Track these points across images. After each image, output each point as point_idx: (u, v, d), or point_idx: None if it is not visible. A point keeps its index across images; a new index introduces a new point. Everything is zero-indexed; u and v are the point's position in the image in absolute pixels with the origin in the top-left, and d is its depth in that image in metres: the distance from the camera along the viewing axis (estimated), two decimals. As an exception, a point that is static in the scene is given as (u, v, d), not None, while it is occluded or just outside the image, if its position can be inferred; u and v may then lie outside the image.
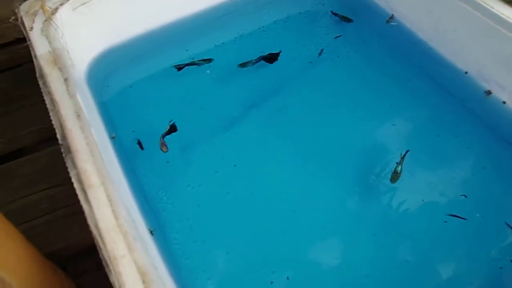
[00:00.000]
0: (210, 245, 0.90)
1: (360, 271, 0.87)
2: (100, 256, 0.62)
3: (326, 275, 0.86)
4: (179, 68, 1.18)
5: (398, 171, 0.96)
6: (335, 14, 1.26)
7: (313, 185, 0.98)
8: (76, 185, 0.69)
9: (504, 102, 1.03)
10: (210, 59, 1.19)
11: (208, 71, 1.19)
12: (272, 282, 0.85)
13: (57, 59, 0.86)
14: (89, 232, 0.67)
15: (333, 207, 0.95)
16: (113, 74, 1.19)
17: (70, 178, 0.72)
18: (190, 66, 1.19)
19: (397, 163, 0.97)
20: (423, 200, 0.94)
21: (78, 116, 0.79)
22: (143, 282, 0.62)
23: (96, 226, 0.65)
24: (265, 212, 0.94)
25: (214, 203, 0.95)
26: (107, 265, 0.61)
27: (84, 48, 1.08)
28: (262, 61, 1.19)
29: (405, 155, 0.97)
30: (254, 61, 1.16)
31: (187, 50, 1.23)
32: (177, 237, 0.91)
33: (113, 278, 0.60)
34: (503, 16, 0.95)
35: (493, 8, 0.97)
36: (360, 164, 1.01)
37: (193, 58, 1.21)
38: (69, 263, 0.98)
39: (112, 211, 0.68)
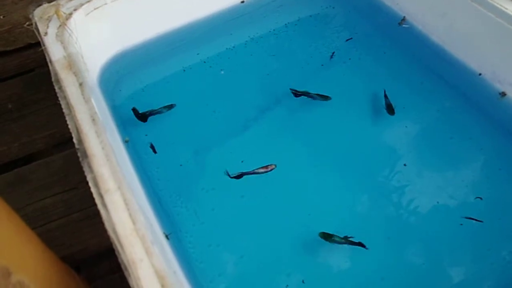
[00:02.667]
0: (225, 249, 0.90)
1: (376, 274, 0.86)
2: (119, 260, 0.62)
3: (341, 278, 0.86)
4: (296, 94, 1.11)
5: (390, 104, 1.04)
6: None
7: (327, 187, 0.98)
8: (93, 190, 0.69)
9: (519, 104, 1.02)
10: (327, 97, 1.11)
11: (222, 72, 1.20)
12: (287, 286, 0.85)
13: (72, 64, 0.87)
14: (103, 236, 0.67)
15: (347, 210, 0.94)
16: (125, 77, 1.20)
17: (84, 182, 0.73)
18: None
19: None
20: (437, 202, 0.94)
21: (94, 120, 0.79)
22: (162, 286, 0.61)
23: (114, 230, 0.65)
24: (279, 215, 0.93)
25: (228, 206, 0.95)
26: (126, 269, 0.61)
27: (96, 53, 1.09)
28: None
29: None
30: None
31: (198, 53, 1.24)
32: (192, 240, 0.91)
33: (132, 282, 0.60)
34: (518, 17, 0.94)
35: (507, 9, 0.96)
36: (373, 166, 1.00)
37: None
38: (83, 266, 0.99)
39: (129, 215, 0.68)
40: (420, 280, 0.86)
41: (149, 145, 1.05)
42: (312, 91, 1.10)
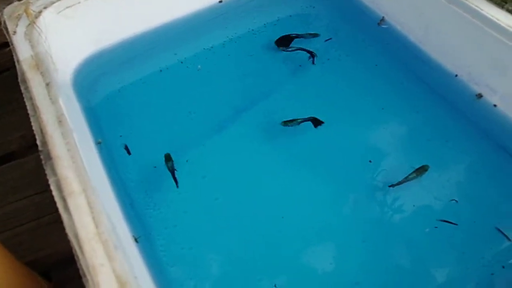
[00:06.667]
0: (197, 252, 0.88)
1: (350, 278, 0.85)
2: (78, 265, 0.61)
3: (314, 283, 0.85)
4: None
5: (295, 121, 1.02)
6: None
7: (302, 190, 0.97)
8: (55, 193, 0.67)
9: (495, 105, 1.01)
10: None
11: (199, 67, 1.18)
12: (259, 290, 0.84)
13: (39, 63, 0.85)
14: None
15: (322, 213, 0.93)
16: (101, 78, 1.18)
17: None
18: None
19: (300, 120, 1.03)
20: (414, 205, 0.93)
21: (60, 122, 0.77)
22: (122, 292, 0.60)
23: (75, 234, 0.64)
24: (253, 218, 0.92)
25: (201, 209, 0.94)
26: (85, 275, 0.60)
27: (69, 52, 1.07)
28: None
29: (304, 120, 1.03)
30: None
31: (175, 54, 1.22)
32: (163, 243, 0.89)
33: (90, 289, 0.59)
34: (493, 18, 0.94)
35: (482, 10, 0.95)
36: (350, 168, 0.99)
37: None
38: (54, 270, 0.97)
39: (92, 218, 0.67)
40: (396, 285, 0.85)
41: (123, 146, 1.03)
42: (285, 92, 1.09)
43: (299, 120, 1.03)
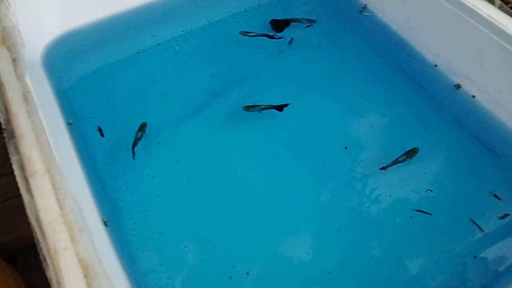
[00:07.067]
0: (169, 237, 0.86)
1: (323, 268, 0.84)
2: (38, 249, 0.58)
3: (287, 271, 0.84)
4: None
5: (258, 106, 1.01)
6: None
7: (278, 177, 0.95)
8: (17, 173, 0.64)
9: (473, 96, 1.01)
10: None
11: (176, 47, 1.16)
12: (231, 277, 0.82)
13: (6, 38, 0.81)
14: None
15: (297, 201, 0.92)
16: (76, 58, 1.14)
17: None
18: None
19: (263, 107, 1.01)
20: (390, 195, 0.92)
21: (26, 99, 0.74)
22: (85, 276, 0.58)
23: (37, 216, 0.61)
24: (226, 204, 0.90)
25: (174, 194, 0.92)
26: (45, 259, 0.57)
27: (40, 29, 1.02)
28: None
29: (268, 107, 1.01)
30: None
31: (153, 35, 1.19)
32: (134, 228, 0.87)
33: (50, 274, 0.56)
34: (474, 8, 0.93)
35: (464, -1, 0.95)
36: (327, 156, 0.98)
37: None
38: (21, 255, 0.94)
39: (56, 200, 0.64)
40: (369, 274, 0.84)
41: (96, 128, 1.00)
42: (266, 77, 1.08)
43: (261, 107, 1.01)
